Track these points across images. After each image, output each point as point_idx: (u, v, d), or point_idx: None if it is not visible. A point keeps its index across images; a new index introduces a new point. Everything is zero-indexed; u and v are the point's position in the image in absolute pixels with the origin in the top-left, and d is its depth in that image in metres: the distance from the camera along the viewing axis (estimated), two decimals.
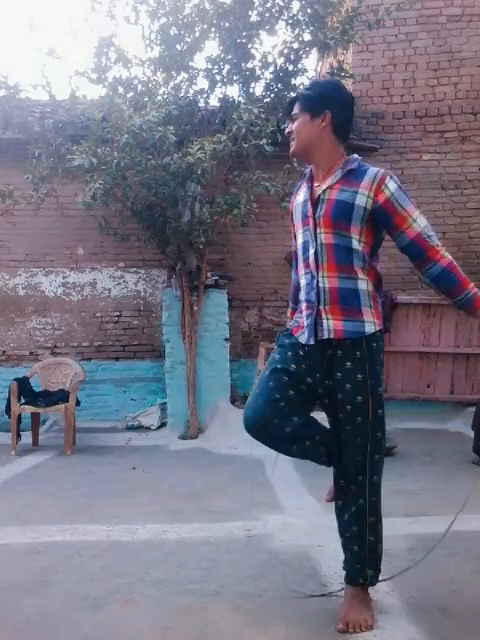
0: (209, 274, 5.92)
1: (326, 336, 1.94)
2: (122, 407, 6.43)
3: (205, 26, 5.32)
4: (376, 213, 1.90)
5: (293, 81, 5.72)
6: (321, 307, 1.95)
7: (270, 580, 2.35)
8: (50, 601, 2.19)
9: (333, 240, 1.93)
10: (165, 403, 6.08)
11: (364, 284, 1.94)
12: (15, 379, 5.31)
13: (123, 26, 5.64)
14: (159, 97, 5.19)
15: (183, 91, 5.56)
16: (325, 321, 1.94)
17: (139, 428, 6.06)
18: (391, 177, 1.92)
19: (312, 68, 8.10)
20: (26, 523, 3.14)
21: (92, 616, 2.07)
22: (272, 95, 5.69)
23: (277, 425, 1.93)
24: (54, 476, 4.27)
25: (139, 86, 5.45)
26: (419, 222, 1.89)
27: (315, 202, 1.98)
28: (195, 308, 5.78)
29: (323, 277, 1.95)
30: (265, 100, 5.61)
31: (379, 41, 6.67)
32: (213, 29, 5.34)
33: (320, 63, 8.05)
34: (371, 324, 1.94)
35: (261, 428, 1.96)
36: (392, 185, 1.89)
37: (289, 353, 2.00)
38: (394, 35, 6.67)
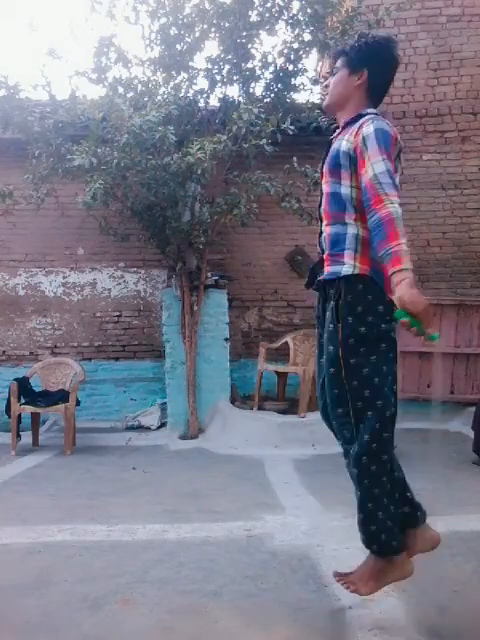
0: (209, 274, 5.91)
1: (320, 278, 2.00)
2: (122, 407, 6.43)
3: (205, 26, 5.32)
4: (356, 156, 1.83)
5: (293, 81, 5.71)
6: (324, 254, 1.99)
7: (270, 580, 2.35)
8: (50, 601, 2.19)
9: (329, 189, 1.95)
10: (165, 403, 6.08)
11: (353, 228, 1.89)
12: (15, 379, 5.31)
13: (123, 26, 5.64)
14: (159, 97, 5.19)
15: (183, 91, 5.55)
16: (325, 266, 1.98)
17: (139, 428, 6.05)
18: (373, 121, 1.82)
19: (312, 68, 8.09)
20: (26, 523, 3.14)
21: (92, 616, 2.07)
22: (272, 95, 5.68)
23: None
24: (54, 476, 4.26)
25: (139, 86, 5.44)
26: (375, 167, 1.74)
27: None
28: (195, 308, 5.77)
29: (324, 225, 1.99)
30: (265, 100, 5.61)
31: None
32: (213, 29, 5.34)
33: (320, 63, 8.03)
34: (349, 266, 1.87)
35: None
36: (367, 128, 1.80)
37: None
38: (394, 35, 6.65)
